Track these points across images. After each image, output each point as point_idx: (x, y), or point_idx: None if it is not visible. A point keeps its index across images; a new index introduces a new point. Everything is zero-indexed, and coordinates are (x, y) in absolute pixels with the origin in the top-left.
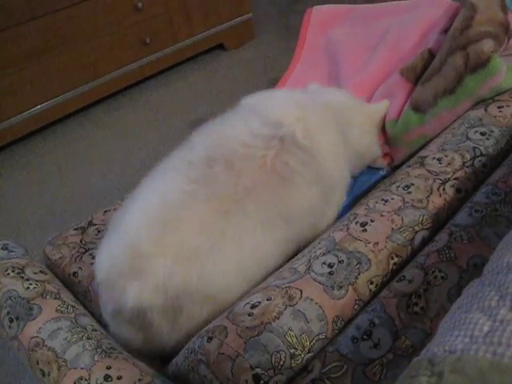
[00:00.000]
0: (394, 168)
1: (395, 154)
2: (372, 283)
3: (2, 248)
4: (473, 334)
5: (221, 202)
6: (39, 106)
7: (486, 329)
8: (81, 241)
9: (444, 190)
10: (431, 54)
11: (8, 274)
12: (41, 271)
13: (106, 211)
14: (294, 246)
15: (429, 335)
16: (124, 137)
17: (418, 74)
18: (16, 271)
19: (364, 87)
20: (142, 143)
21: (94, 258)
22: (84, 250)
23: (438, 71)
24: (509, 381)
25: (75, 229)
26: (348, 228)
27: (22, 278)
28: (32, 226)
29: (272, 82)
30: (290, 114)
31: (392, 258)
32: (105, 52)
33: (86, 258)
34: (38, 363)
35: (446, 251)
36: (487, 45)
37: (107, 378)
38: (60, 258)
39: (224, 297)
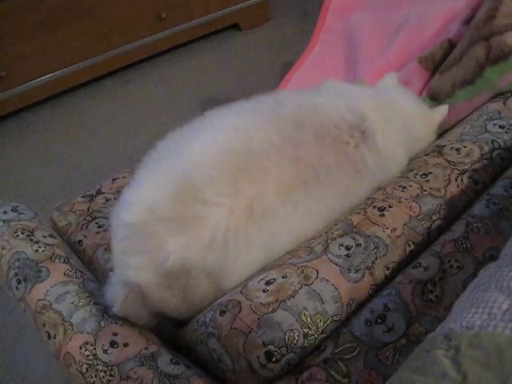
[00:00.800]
0: None
1: None
2: (388, 269)
3: (12, 210)
4: (491, 312)
5: (303, 169)
6: (50, 75)
7: (504, 307)
8: (88, 209)
9: (462, 180)
10: (451, 44)
11: (17, 235)
12: (50, 235)
13: (114, 179)
14: None
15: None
16: (134, 110)
17: (436, 63)
18: (25, 233)
19: (381, 73)
20: (151, 118)
21: (99, 226)
22: (90, 219)
23: (459, 61)
24: None
25: (83, 196)
26: (366, 212)
27: (32, 240)
28: (37, 194)
29: (286, 65)
30: (373, 110)
31: (408, 245)
32: (119, 24)
33: (91, 227)
34: (44, 325)
35: (463, 241)
36: (511, 37)
37: (113, 344)
38: (66, 224)
39: None
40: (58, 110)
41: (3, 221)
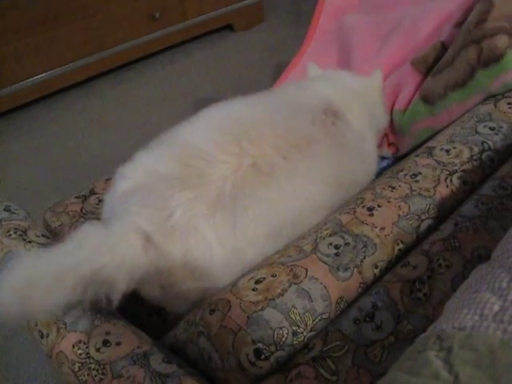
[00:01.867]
0: (398, 158)
1: (400, 143)
2: (377, 267)
3: (4, 209)
4: (483, 313)
5: (295, 137)
6: (43, 75)
7: (496, 308)
8: (81, 210)
9: (451, 181)
10: (443, 47)
11: (10, 235)
12: (43, 235)
13: (107, 179)
14: None
15: (431, 321)
16: (127, 110)
17: (429, 65)
18: (18, 233)
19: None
20: (144, 118)
21: None
22: (84, 220)
23: (451, 64)
24: None
25: (76, 197)
26: (355, 211)
27: (24, 240)
28: (31, 194)
29: (279, 66)
30: (333, 93)
31: (397, 244)
32: (113, 24)
33: None
34: (36, 325)
35: (451, 240)
36: (502, 40)
37: (106, 343)
38: (59, 225)
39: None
40: (51, 109)
41: None
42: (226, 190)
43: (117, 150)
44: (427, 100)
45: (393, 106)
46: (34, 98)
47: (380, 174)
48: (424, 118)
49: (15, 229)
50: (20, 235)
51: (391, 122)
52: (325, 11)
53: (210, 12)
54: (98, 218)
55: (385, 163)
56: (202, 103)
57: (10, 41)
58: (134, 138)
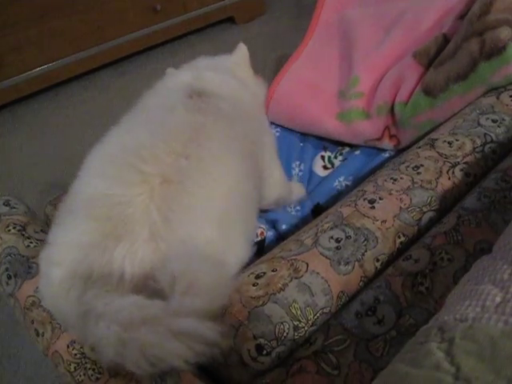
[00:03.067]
0: (399, 151)
1: (402, 136)
2: (378, 261)
3: (4, 204)
4: (484, 304)
5: (183, 131)
6: (44, 67)
7: (497, 300)
8: None
9: (453, 173)
10: (445, 39)
11: (9, 230)
12: (42, 230)
13: None
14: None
15: (433, 315)
16: (128, 103)
17: (431, 57)
18: (17, 228)
19: (376, 67)
20: None
21: None
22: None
23: (452, 56)
24: None
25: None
26: (356, 204)
27: (23, 235)
28: (32, 187)
29: (280, 59)
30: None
31: (399, 237)
32: (114, 16)
33: None
34: (32, 322)
35: (454, 234)
36: (504, 32)
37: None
38: None
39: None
40: (53, 102)
41: None
42: (154, 220)
43: None
44: (429, 92)
45: (394, 98)
46: (34, 91)
47: (381, 165)
48: (426, 110)
49: (14, 224)
50: (19, 230)
51: (393, 114)
52: (327, 3)
53: (211, 4)
54: None
55: (387, 154)
56: None
57: (11, 33)
58: None
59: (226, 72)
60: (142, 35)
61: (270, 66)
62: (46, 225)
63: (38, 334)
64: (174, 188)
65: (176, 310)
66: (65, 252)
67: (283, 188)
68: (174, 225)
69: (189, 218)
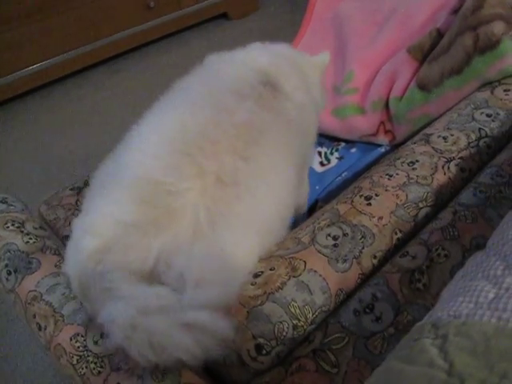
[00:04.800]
0: (395, 146)
1: (397, 131)
2: (375, 258)
3: (1, 201)
4: (478, 301)
5: (247, 131)
6: (38, 65)
7: (491, 296)
8: (76, 202)
9: (448, 168)
10: (439, 34)
11: (8, 227)
12: (40, 227)
13: None
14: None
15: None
16: (123, 100)
17: (425, 52)
18: (16, 225)
19: (370, 63)
20: (140, 108)
21: None
22: (78, 213)
23: (447, 51)
24: None
25: (71, 189)
26: (352, 201)
27: (22, 232)
28: (27, 185)
29: None
30: (269, 64)
31: (395, 234)
32: (108, 13)
33: None
34: (34, 317)
35: (450, 230)
36: (498, 27)
37: (104, 335)
38: (55, 219)
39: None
40: (47, 99)
41: None
42: (200, 219)
43: (113, 140)
44: (423, 87)
45: (389, 93)
46: (29, 88)
47: (377, 161)
48: (420, 105)
49: (13, 221)
50: (18, 227)
51: (387, 109)
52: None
53: (205, 0)
54: None
55: (383, 149)
56: None
57: (5, 30)
58: (129, 128)
59: (302, 74)
60: (136, 32)
61: None
62: (44, 223)
63: (40, 328)
64: (226, 190)
65: (189, 302)
66: (105, 224)
67: (304, 200)
68: (218, 229)
69: (234, 226)
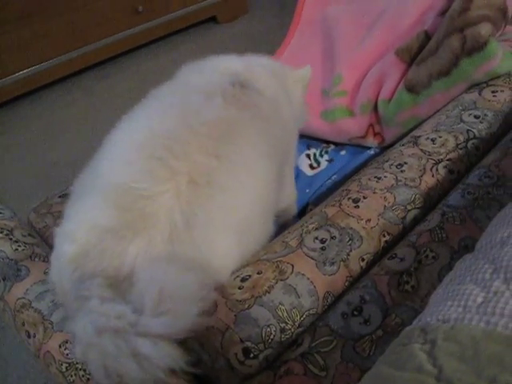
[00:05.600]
0: (384, 148)
1: (386, 133)
2: (363, 260)
3: None
4: (466, 305)
5: (219, 129)
6: (27, 70)
7: (479, 300)
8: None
9: (437, 170)
10: (427, 36)
11: None
12: (29, 234)
13: None
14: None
15: (419, 314)
16: (112, 105)
17: (412, 55)
18: (4, 232)
19: (359, 65)
20: (125, 112)
21: None
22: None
23: (434, 53)
24: (501, 349)
25: (60, 196)
26: (340, 204)
27: (11, 239)
28: (16, 191)
29: None
30: (243, 68)
31: (384, 236)
32: (96, 18)
33: None
34: (23, 324)
35: (438, 231)
36: (485, 28)
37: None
38: (44, 227)
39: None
40: (36, 105)
41: None
42: (176, 222)
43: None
44: (412, 89)
45: (378, 96)
46: (17, 95)
47: (364, 165)
48: (409, 107)
49: (1, 228)
50: (6, 234)
51: (376, 112)
52: (308, 2)
53: (193, 4)
54: None
55: (372, 151)
56: None
57: None
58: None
59: (279, 79)
60: (125, 37)
61: None
62: (33, 231)
63: (29, 336)
64: (200, 190)
65: (143, 328)
66: (81, 230)
67: (292, 201)
68: (194, 230)
69: (210, 225)
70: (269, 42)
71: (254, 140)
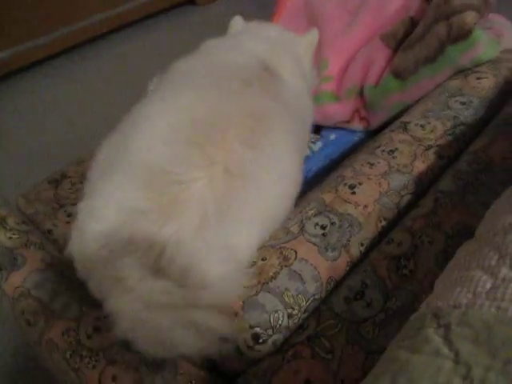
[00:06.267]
0: (370, 132)
1: (372, 118)
2: (362, 245)
3: None
4: (476, 291)
5: (255, 120)
6: (3, 53)
7: (488, 286)
8: (54, 195)
9: (427, 155)
10: (412, 22)
11: None
12: (23, 222)
13: (79, 162)
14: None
15: (417, 296)
16: (92, 88)
17: (398, 40)
18: None
19: (344, 51)
20: (110, 96)
21: (69, 215)
22: (58, 206)
23: (421, 39)
24: None
25: (49, 182)
26: (337, 190)
27: (5, 228)
28: (3, 177)
29: None
30: (265, 51)
31: (380, 221)
32: (72, 0)
33: (60, 215)
34: (23, 313)
35: (432, 217)
36: (469, 16)
37: (97, 329)
38: (35, 213)
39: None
40: (14, 89)
41: None
42: (207, 211)
43: (83, 129)
44: (398, 75)
45: (363, 81)
46: None
47: (353, 148)
48: (396, 92)
49: None
50: (0, 223)
51: (362, 97)
52: None
53: None
54: (72, 204)
55: (356, 137)
56: None
57: None
58: (98, 115)
59: (296, 57)
60: (102, 19)
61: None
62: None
63: (29, 324)
64: (234, 181)
65: (193, 301)
66: (109, 209)
67: None
68: (224, 221)
69: (240, 217)
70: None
71: (285, 133)
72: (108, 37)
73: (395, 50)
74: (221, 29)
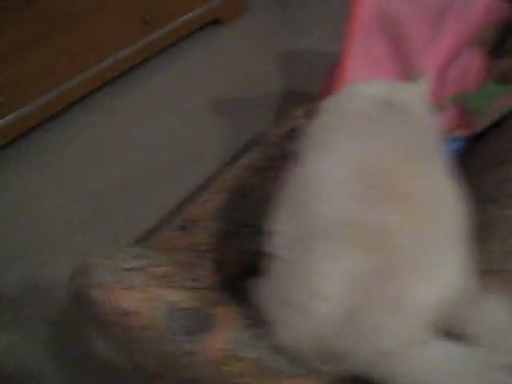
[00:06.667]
0: (470, 139)
1: (477, 124)
2: None
3: (135, 257)
4: None
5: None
6: (45, 96)
7: None
8: (192, 245)
9: None
10: (504, 26)
11: (159, 283)
12: (193, 279)
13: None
14: None
15: None
16: (137, 122)
17: (489, 44)
18: (166, 279)
19: (438, 60)
20: (156, 125)
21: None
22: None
23: None
24: None
25: (172, 230)
26: None
27: (181, 286)
28: (70, 227)
29: (272, 51)
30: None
31: None
32: (103, 35)
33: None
34: (240, 376)
35: None
36: None
37: None
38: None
39: None
40: (62, 129)
41: (139, 268)
42: (419, 252)
43: (138, 165)
44: (502, 80)
45: (461, 89)
46: (36, 123)
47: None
48: (500, 98)
49: (162, 276)
50: (168, 281)
51: (462, 104)
52: (362, 2)
53: (195, 10)
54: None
55: (458, 145)
56: (213, 101)
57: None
58: (153, 148)
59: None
60: (136, 49)
61: (265, 60)
62: None
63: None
64: (424, 213)
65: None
66: (333, 284)
67: None
68: (433, 255)
69: (446, 251)
70: (276, 38)
71: (428, 156)
72: (141, 68)
73: (489, 55)
74: (248, 44)
